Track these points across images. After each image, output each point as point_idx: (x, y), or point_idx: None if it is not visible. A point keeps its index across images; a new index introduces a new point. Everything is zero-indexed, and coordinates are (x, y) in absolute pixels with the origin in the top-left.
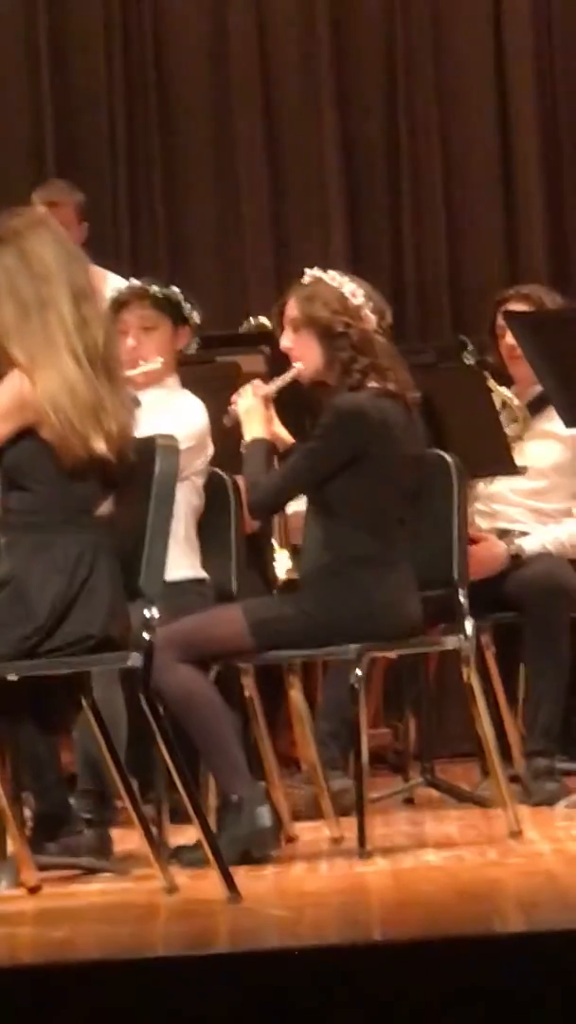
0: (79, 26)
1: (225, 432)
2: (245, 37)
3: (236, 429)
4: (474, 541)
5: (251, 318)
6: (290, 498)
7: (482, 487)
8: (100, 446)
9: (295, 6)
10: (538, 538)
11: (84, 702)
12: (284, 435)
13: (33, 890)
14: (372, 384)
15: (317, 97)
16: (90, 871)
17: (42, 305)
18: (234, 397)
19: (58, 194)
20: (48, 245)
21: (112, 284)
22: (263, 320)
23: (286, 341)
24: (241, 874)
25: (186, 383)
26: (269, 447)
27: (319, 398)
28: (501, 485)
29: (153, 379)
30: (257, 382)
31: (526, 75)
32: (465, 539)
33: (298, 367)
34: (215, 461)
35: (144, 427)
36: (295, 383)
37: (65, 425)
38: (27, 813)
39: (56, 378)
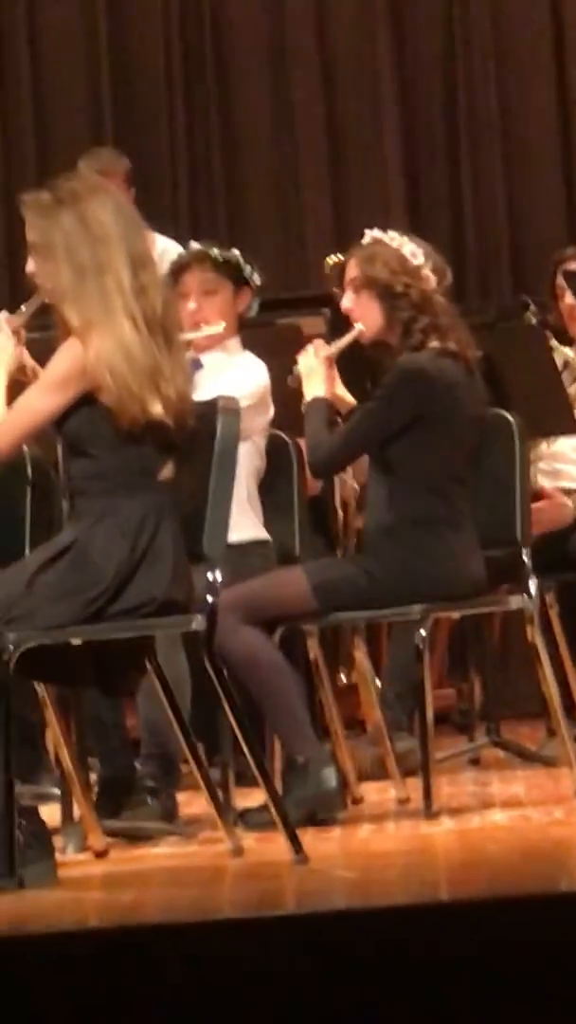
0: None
1: (287, 394)
2: (301, 6)
3: (298, 391)
4: (539, 497)
5: (333, 255)
6: (352, 459)
7: (544, 446)
8: (157, 409)
9: None
10: None
11: (148, 666)
12: (346, 396)
13: (100, 854)
14: (433, 344)
15: (374, 59)
16: (156, 835)
17: (99, 269)
18: (297, 357)
19: (107, 163)
20: (107, 209)
21: (160, 246)
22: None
23: (347, 302)
24: (307, 836)
25: (247, 346)
26: (329, 407)
27: (380, 359)
28: (563, 444)
29: (215, 342)
30: (319, 342)
31: None
32: (527, 499)
33: (359, 328)
34: (276, 423)
35: (206, 388)
36: (356, 344)
37: (122, 388)
38: (93, 778)
39: (112, 341)
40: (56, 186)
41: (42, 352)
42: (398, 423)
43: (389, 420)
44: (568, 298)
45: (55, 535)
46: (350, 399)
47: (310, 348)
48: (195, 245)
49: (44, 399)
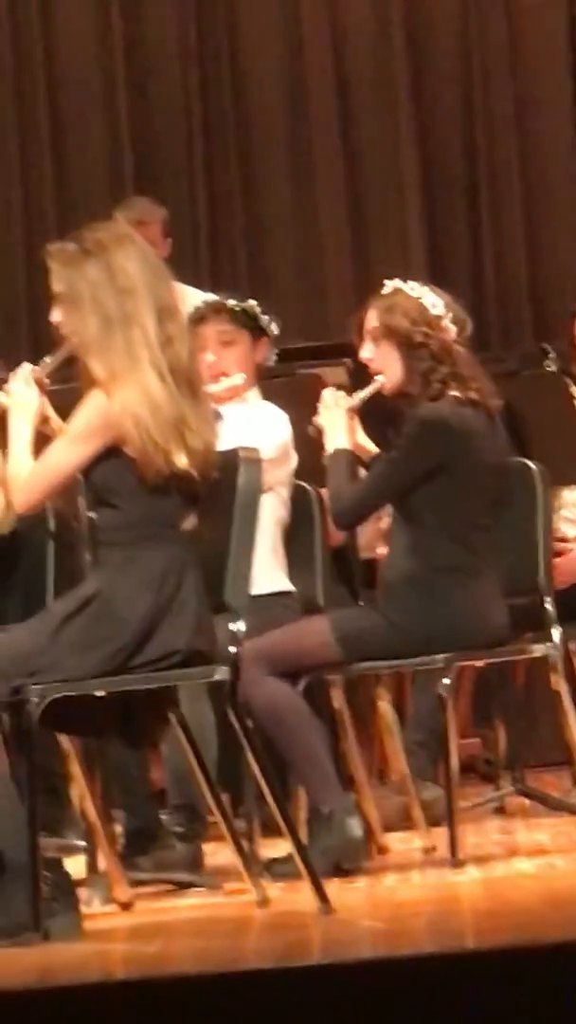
0: (156, 46)
1: (309, 444)
2: (320, 49)
3: (320, 441)
4: (559, 553)
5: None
6: (374, 509)
7: (566, 495)
8: (182, 461)
9: (370, 23)
10: None
11: (172, 717)
12: (368, 445)
13: (126, 906)
14: (453, 393)
15: (394, 109)
16: (182, 886)
17: (126, 320)
18: (319, 405)
19: (143, 212)
20: (133, 260)
21: (192, 300)
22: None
23: (367, 353)
24: (333, 886)
25: (268, 396)
26: (352, 458)
27: (401, 409)
28: None
29: (234, 393)
30: (340, 393)
31: None
32: (549, 546)
33: (380, 380)
34: (299, 473)
35: (227, 440)
36: (378, 394)
37: (147, 441)
38: (118, 829)
39: (138, 393)
40: (82, 236)
41: (63, 404)
42: (419, 472)
43: (410, 470)
44: None
45: (77, 586)
46: (372, 448)
47: (329, 398)
48: (212, 296)
49: (70, 451)
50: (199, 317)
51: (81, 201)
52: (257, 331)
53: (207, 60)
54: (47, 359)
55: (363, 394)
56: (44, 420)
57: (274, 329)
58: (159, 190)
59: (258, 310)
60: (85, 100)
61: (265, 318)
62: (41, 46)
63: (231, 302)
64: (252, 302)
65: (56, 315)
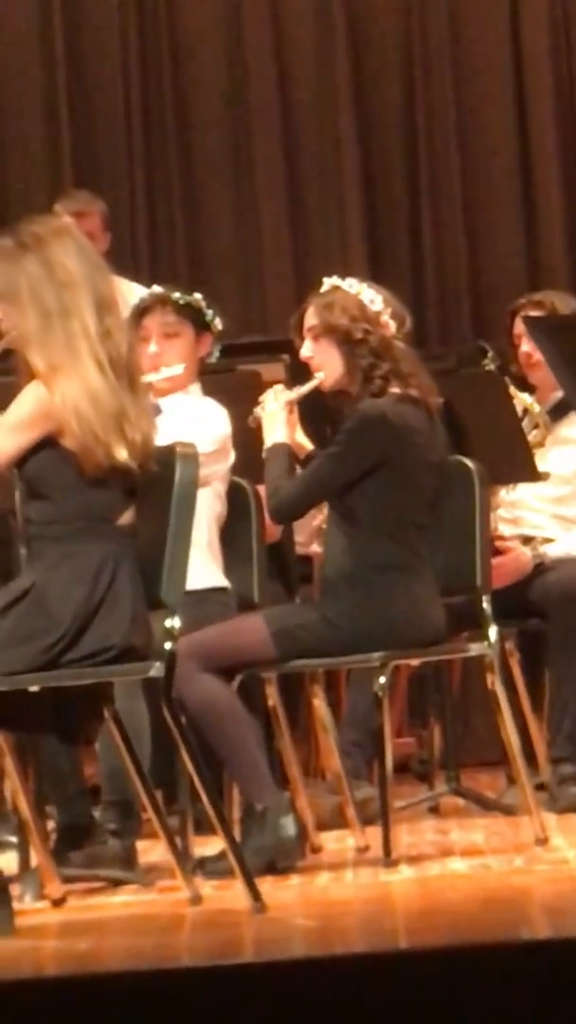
0: (94, 34)
1: (247, 440)
2: (261, 48)
3: (258, 437)
4: (499, 552)
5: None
6: (312, 504)
7: (504, 494)
8: (122, 454)
9: (311, 14)
10: (562, 545)
11: (106, 713)
12: (305, 443)
13: (57, 902)
14: (394, 390)
15: (334, 104)
16: (115, 883)
17: (65, 313)
18: (260, 400)
19: (84, 204)
20: (71, 253)
21: (137, 294)
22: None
23: (306, 350)
24: (266, 884)
25: (207, 392)
26: (290, 452)
27: (340, 407)
28: (524, 492)
29: (175, 386)
30: (279, 387)
31: (545, 79)
32: (488, 546)
33: (320, 376)
34: (237, 469)
35: (166, 433)
36: (317, 392)
37: (87, 433)
38: (51, 825)
39: (79, 386)
40: (19, 231)
41: (2, 397)
42: (359, 469)
43: (350, 466)
44: (525, 345)
45: (13, 580)
46: (308, 445)
47: (270, 393)
48: (157, 288)
49: (5, 441)
50: (144, 308)
51: (18, 195)
52: (201, 326)
53: (147, 52)
54: None
55: (303, 389)
56: None
57: (218, 324)
58: (98, 184)
59: (203, 304)
60: (23, 92)
61: (210, 312)
62: None
63: (176, 294)
64: (198, 295)
65: None
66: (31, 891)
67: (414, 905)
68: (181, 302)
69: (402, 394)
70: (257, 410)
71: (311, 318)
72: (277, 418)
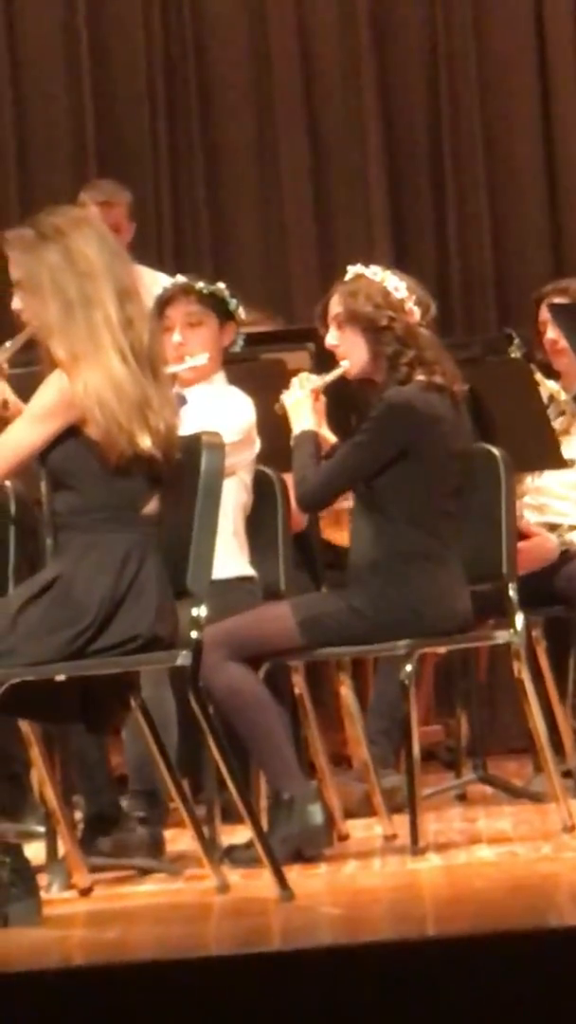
0: (118, 25)
1: (273, 429)
2: (286, 37)
3: (283, 424)
4: (525, 537)
5: None
6: (339, 493)
7: (530, 481)
8: (146, 443)
9: (336, 7)
10: None
11: (133, 702)
12: (329, 436)
13: (85, 892)
14: (419, 377)
15: (359, 94)
16: (142, 872)
17: (87, 303)
18: (286, 390)
19: (110, 194)
20: (92, 243)
21: (162, 284)
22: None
23: (331, 339)
24: (293, 872)
25: (232, 380)
26: (317, 439)
27: (366, 396)
28: (549, 479)
29: (200, 375)
30: (306, 374)
31: (570, 69)
32: (514, 533)
33: (345, 365)
34: (262, 458)
35: (191, 423)
36: (342, 381)
37: (111, 422)
38: (78, 815)
39: (101, 375)
40: (39, 221)
41: (24, 388)
42: (385, 456)
43: (376, 453)
44: (550, 332)
45: (39, 571)
46: (333, 439)
47: (296, 381)
48: (180, 278)
49: (29, 431)
50: (168, 298)
51: (44, 188)
52: (225, 315)
53: (171, 43)
54: (7, 344)
55: (329, 377)
56: (4, 404)
57: (242, 314)
58: (123, 175)
59: (227, 293)
60: (48, 84)
61: (233, 301)
62: (4, 29)
63: (200, 284)
64: (221, 285)
65: (17, 302)
66: (59, 881)
67: (442, 893)
68: (205, 291)
69: (427, 381)
70: (283, 398)
71: (336, 306)
72: (304, 406)
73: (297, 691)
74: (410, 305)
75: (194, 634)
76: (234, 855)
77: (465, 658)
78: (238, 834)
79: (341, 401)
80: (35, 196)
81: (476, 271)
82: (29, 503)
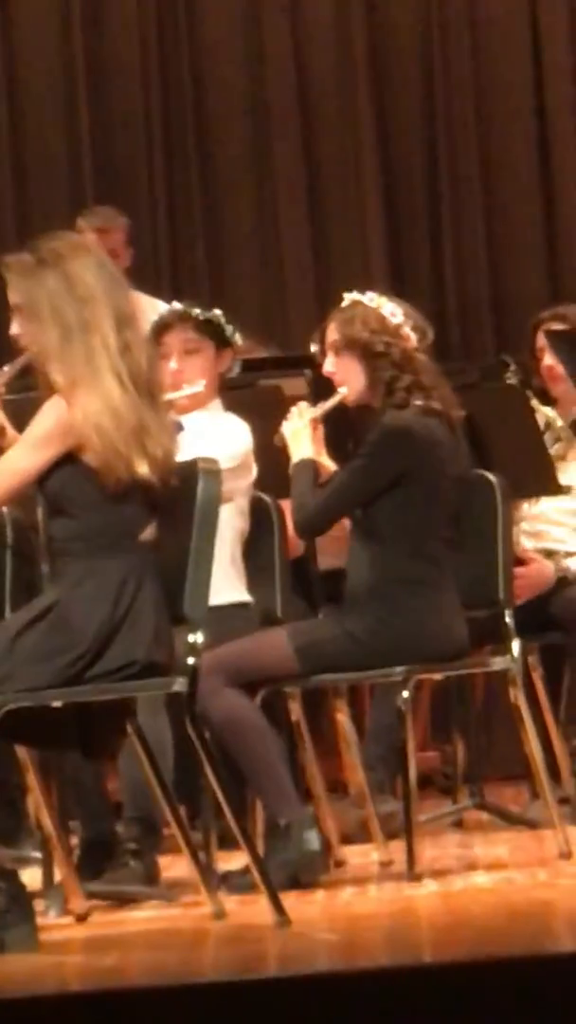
0: (115, 54)
1: (269, 455)
2: (281, 61)
3: (281, 453)
4: (522, 563)
5: None
6: (337, 518)
7: (526, 507)
8: (144, 469)
9: (331, 28)
10: None
11: (129, 728)
12: (328, 464)
13: (81, 918)
14: (417, 402)
15: (355, 120)
16: (138, 898)
17: (85, 328)
18: (286, 417)
19: (107, 220)
20: (91, 268)
21: (159, 310)
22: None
23: (329, 365)
24: (290, 899)
25: (229, 407)
26: (316, 467)
27: (364, 422)
28: (546, 505)
29: (196, 403)
30: (303, 404)
31: (566, 95)
32: (510, 560)
33: (343, 391)
34: (259, 485)
35: (188, 450)
36: (340, 407)
37: (109, 448)
38: (74, 841)
39: (99, 401)
40: (38, 247)
41: (22, 413)
42: (383, 481)
43: (374, 478)
44: (547, 359)
45: (36, 597)
46: (333, 466)
47: (295, 410)
48: (177, 305)
49: (27, 457)
50: (164, 325)
51: (40, 213)
52: (221, 341)
53: (168, 70)
54: (5, 368)
55: (327, 405)
56: (1, 431)
57: (238, 340)
58: (119, 201)
59: (223, 320)
60: (45, 111)
61: (229, 328)
62: (1, 56)
63: (196, 311)
64: (217, 312)
65: (15, 327)
66: (55, 906)
67: (438, 919)
68: (201, 318)
69: (425, 407)
70: (282, 429)
71: (332, 333)
72: (302, 435)
73: (294, 717)
74: (406, 330)
75: (191, 660)
76: (230, 881)
77: (461, 684)
78: (234, 860)
79: (339, 428)
80: (32, 222)
81: (472, 297)
82: (26, 529)
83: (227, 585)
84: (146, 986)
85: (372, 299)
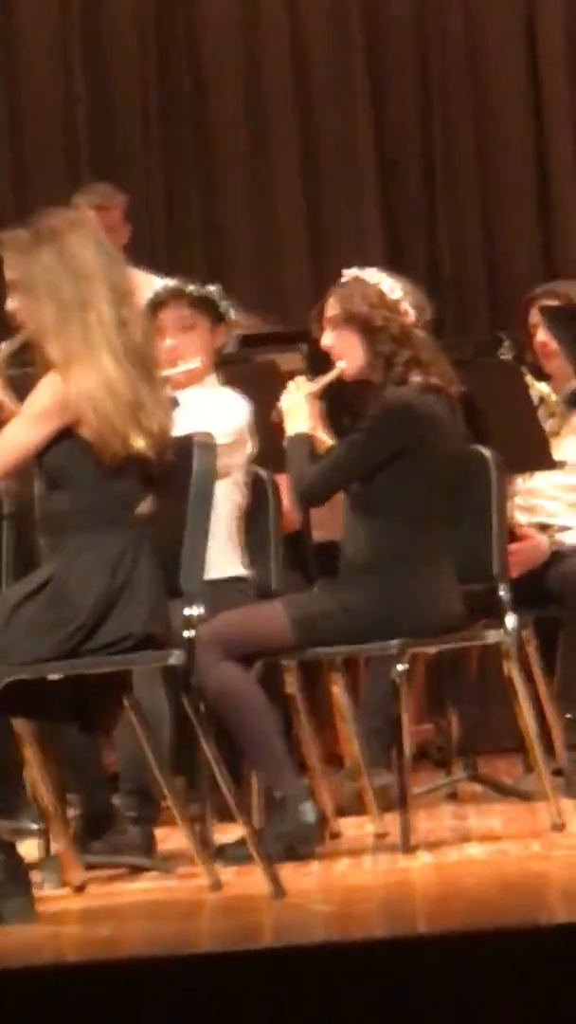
0: (112, 29)
1: (266, 429)
2: (278, 39)
3: (278, 428)
4: (517, 538)
5: None
6: (336, 490)
7: (520, 482)
8: (140, 444)
9: (328, 11)
10: None
11: (126, 701)
12: (326, 439)
13: (78, 889)
14: (416, 378)
15: (351, 98)
16: (135, 869)
17: (82, 304)
18: (281, 392)
19: (104, 197)
20: (88, 245)
21: (156, 287)
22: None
23: (327, 340)
24: (286, 870)
25: (225, 382)
26: (311, 441)
27: (362, 397)
28: (540, 480)
29: (193, 378)
30: (301, 379)
31: (561, 72)
32: (505, 534)
33: (341, 366)
34: (256, 459)
35: (185, 426)
36: (337, 382)
37: (105, 423)
38: (71, 813)
39: (95, 377)
40: (35, 223)
41: (20, 389)
42: (382, 456)
43: (373, 452)
44: (540, 335)
45: (33, 571)
46: (330, 441)
47: (292, 385)
48: (171, 282)
49: (26, 432)
50: (159, 302)
51: (38, 189)
52: (216, 317)
53: (165, 47)
54: (3, 345)
55: (324, 379)
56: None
57: (233, 315)
58: (116, 177)
59: (218, 296)
60: (42, 88)
61: (224, 304)
62: None
63: (191, 287)
64: (212, 287)
65: (11, 303)
66: (52, 878)
67: (432, 890)
68: (196, 295)
69: (424, 382)
70: (280, 404)
71: (331, 308)
72: (299, 409)
73: (289, 690)
74: (405, 306)
75: (187, 633)
76: (227, 853)
77: (456, 657)
78: (230, 832)
79: (336, 403)
80: (29, 200)
81: (467, 273)
82: (23, 502)
83: (225, 559)
84: (142, 956)
85: (372, 275)
